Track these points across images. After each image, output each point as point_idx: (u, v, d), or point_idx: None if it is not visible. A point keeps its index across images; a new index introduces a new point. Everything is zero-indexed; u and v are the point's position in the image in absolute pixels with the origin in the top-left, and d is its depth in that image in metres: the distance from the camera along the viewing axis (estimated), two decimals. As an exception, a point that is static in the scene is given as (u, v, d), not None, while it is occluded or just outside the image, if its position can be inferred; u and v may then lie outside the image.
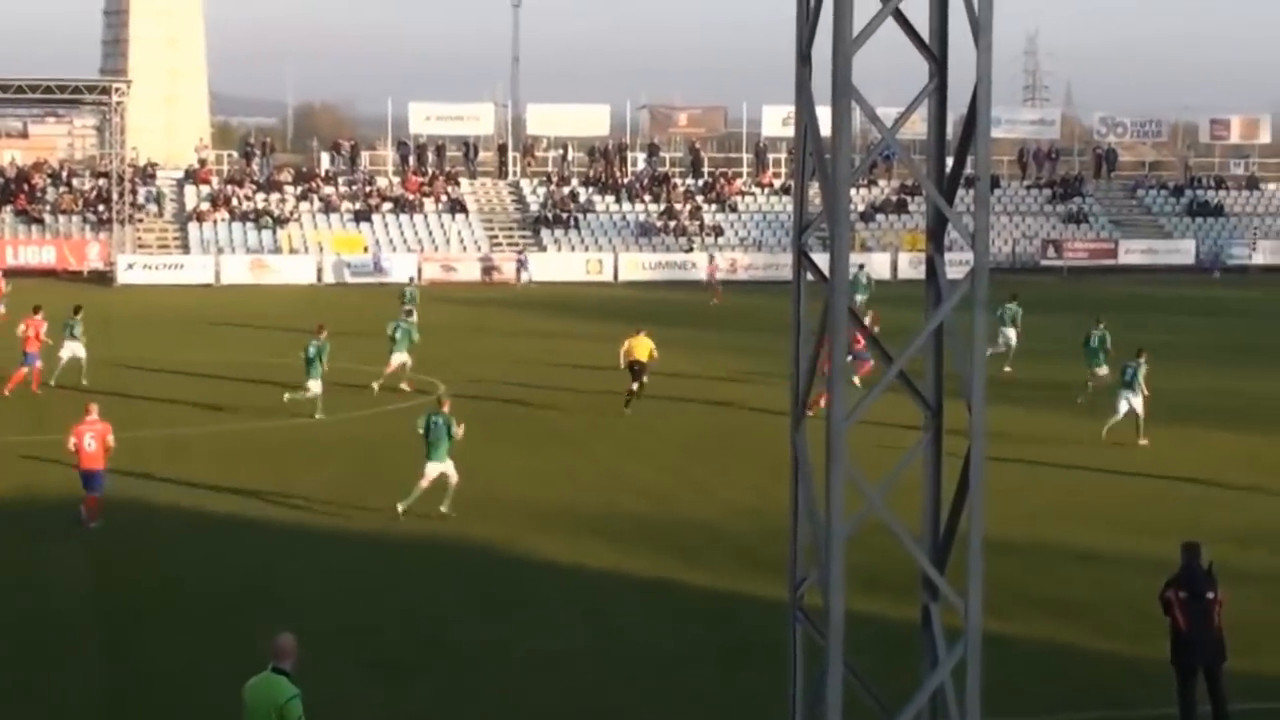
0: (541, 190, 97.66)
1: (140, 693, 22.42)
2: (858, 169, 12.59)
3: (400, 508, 31.74)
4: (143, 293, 78.73)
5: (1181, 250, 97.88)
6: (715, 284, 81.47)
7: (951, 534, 12.37)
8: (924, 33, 12.28)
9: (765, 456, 36.73)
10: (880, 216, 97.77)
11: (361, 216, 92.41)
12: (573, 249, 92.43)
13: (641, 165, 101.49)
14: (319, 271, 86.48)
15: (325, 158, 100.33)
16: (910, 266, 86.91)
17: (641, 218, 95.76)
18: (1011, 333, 53.19)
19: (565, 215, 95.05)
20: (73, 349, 48.34)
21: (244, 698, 16.21)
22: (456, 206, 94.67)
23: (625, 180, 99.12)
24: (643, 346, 45.35)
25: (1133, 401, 39.81)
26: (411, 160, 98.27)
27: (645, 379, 44.59)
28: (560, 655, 23.71)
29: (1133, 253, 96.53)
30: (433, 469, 32.12)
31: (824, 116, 11.86)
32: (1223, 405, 45.75)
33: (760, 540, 29.35)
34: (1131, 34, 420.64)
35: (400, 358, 48.21)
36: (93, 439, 31.13)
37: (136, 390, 46.81)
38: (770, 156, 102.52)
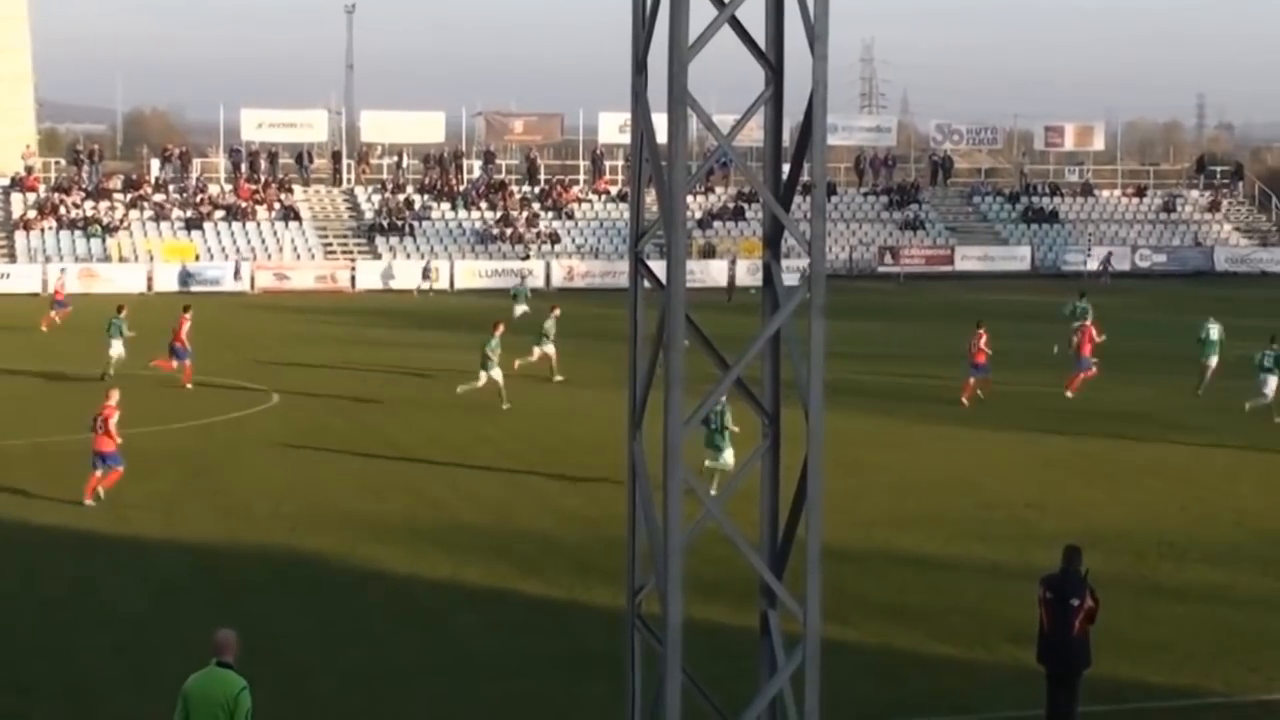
0: (376, 198, 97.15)
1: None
2: (694, 176, 12.59)
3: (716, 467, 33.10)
4: (-32, 302, 77.32)
5: (1017, 256, 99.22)
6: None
7: (789, 541, 12.39)
8: (760, 40, 12.30)
9: (603, 465, 36.69)
10: (717, 224, 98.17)
11: (193, 224, 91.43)
12: (408, 257, 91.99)
13: (477, 172, 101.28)
14: (149, 280, 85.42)
15: (155, 165, 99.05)
16: (747, 273, 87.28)
17: (478, 225, 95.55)
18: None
19: (400, 223, 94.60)
20: (117, 347, 51.10)
21: (186, 695, 16.14)
22: (290, 214, 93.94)
23: (461, 187, 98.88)
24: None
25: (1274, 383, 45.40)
26: (244, 167, 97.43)
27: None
28: (397, 667, 23.51)
29: (969, 259, 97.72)
30: (724, 458, 33.11)
31: (660, 124, 11.85)
32: (1058, 410, 46.29)
33: (598, 549, 29.29)
34: (967, 42, 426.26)
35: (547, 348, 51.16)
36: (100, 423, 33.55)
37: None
38: (607, 163, 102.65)
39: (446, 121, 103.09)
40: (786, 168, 12.44)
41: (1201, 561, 29.41)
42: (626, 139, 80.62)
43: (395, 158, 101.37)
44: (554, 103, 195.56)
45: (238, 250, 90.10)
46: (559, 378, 50.66)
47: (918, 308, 78.88)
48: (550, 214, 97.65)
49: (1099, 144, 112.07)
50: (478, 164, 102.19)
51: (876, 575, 28.27)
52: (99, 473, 33.42)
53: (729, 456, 33.18)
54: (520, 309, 62.96)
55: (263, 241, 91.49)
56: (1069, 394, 48.63)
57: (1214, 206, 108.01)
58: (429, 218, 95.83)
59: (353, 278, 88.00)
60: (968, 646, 24.33)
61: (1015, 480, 36.60)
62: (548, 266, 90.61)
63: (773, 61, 12.30)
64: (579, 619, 25.68)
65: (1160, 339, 64.52)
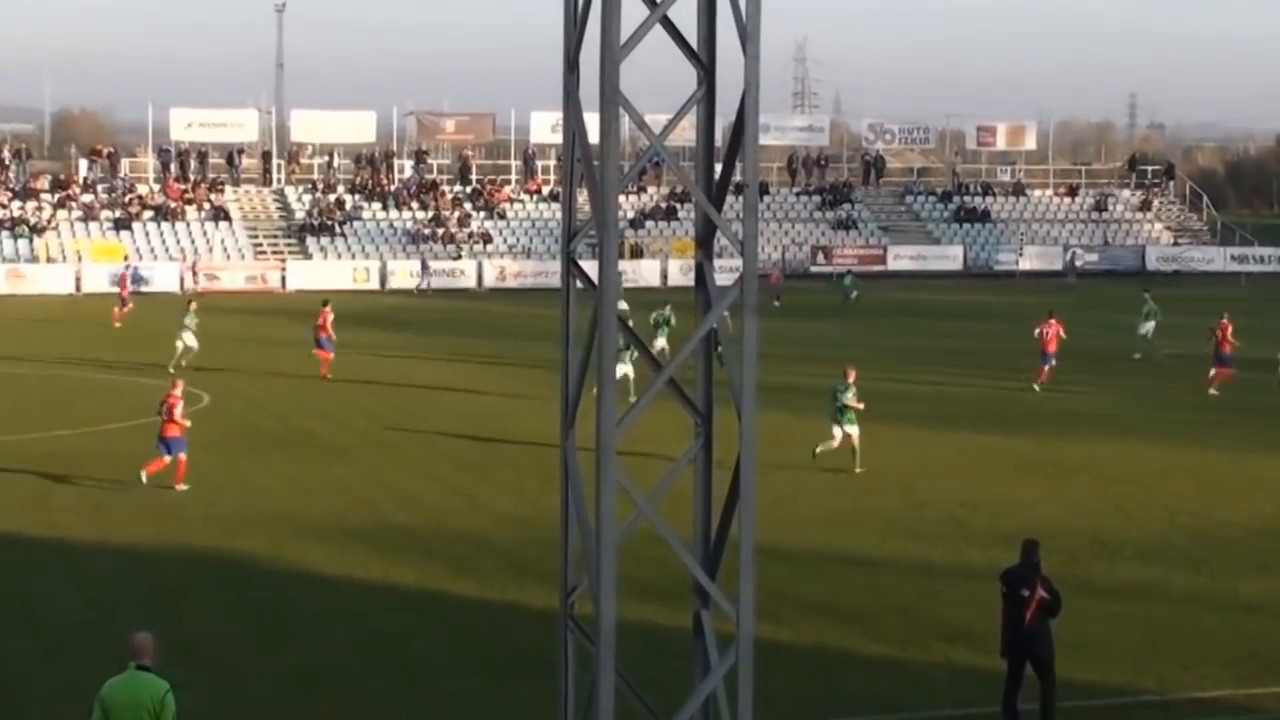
0: (307, 197, 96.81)
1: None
2: (626, 176, 12.54)
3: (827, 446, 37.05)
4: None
5: (949, 256, 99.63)
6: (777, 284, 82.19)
7: (722, 541, 12.36)
8: (692, 40, 12.26)
9: (535, 465, 36.64)
10: (649, 223, 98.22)
11: (121, 225, 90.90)
12: (339, 257, 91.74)
13: (409, 172, 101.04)
14: (78, 281, 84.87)
15: (84, 165, 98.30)
16: (680, 273, 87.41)
17: (409, 225, 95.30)
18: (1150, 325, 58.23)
19: (331, 223, 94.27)
20: (186, 339, 53.46)
21: (104, 700, 16.00)
22: (220, 214, 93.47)
23: (392, 187, 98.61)
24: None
25: None
26: (173, 167, 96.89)
27: None
28: (328, 668, 23.39)
29: (901, 258, 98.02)
30: (838, 432, 37.22)
31: (592, 123, 11.80)
32: (991, 409, 46.49)
33: (530, 550, 29.23)
34: (899, 42, 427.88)
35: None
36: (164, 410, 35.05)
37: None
38: (539, 163, 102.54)
39: (378, 121, 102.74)
40: (719, 167, 12.41)
41: (1134, 559, 29.55)
42: (558, 139, 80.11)
43: (326, 157, 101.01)
44: (486, 102, 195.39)
45: (167, 251, 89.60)
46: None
47: (851, 307, 79.03)
48: (482, 214, 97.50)
49: (1031, 144, 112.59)
50: (409, 164, 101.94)
51: (810, 575, 28.30)
52: (166, 458, 34.79)
53: (851, 429, 37.32)
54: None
55: (192, 242, 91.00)
56: (1212, 391, 49.79)
57: (1145, 206, 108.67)
58: (360, 218, 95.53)
59: (283, 278, 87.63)
60: (901, 646, 24.37)
61: (948, 479, 36.71)
62: (479, 266, 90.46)
63: (705, 61, 12.26)
64: (512, 620, 25.61)
65: (1092, 338, 64.78)
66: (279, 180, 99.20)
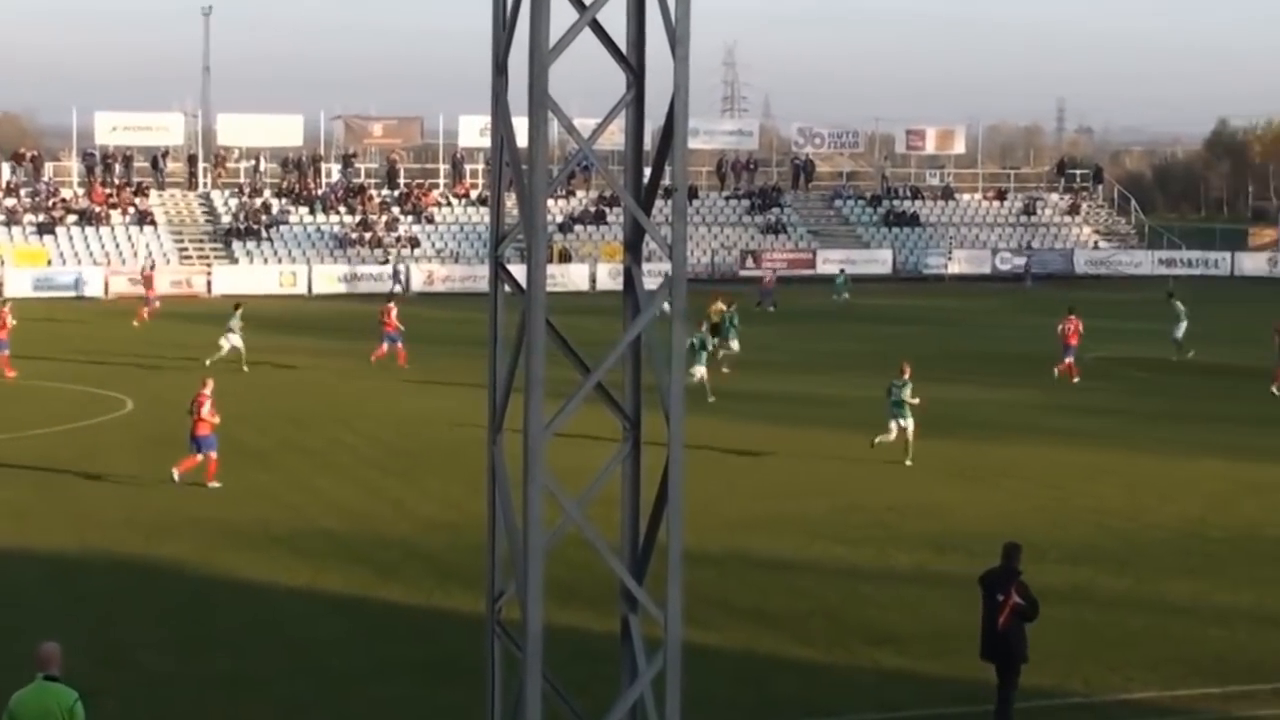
0: (233, 201, 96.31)
1: None
2: (555, 180, 12.52)
3: (884, 439, 38.55)
4: None
5: (879, 260, 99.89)
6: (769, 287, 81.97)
7: (650, 545, 12.34)
8: (622, 43, 12.23)
9: (463, 470, 36.56)
10: (579, 227, 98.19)
11: (45, 229, 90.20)
12: (265, 261, 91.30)
13: (336, 176, 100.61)
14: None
15: (6, 168, 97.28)
16: (609, 278, 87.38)
17: (336, 229, 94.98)
18: (1182, 327, 59.37)
19: (257, 227, 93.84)
20: (232, 341, 55.19)
21: (12, 712, 15.93)
22: (145, 218, 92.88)
23: (319, 191, 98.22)
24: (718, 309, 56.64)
25: None
26: (98, 171, 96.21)
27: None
28: (255, 675, 23.26)
29: (831, 262, 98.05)
30: (894, 426, 38.84)
31: (521, 127, 11.75)
32: (918, 413, 46.45)
33: (457, 555, 29.15)
34: (829, 46, 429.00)
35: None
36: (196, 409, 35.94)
37: None
38: (467, 167, 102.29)
39: (305, 125, 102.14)
40: (648, 171, 12.38)
41: (1061, 562, 29.66)
42: (487, 142, 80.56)
43: (252, 161, 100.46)
44: (413, 106, 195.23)
45: (91, 256, 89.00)
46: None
47: (779, 312, 79.14)
48: (410, 218, 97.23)
49: (960, 147, 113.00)
50: (336, 168, 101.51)
51: (738, 579, 28.32)
52: (199, 456, 35.69)
53: (897, 426, 38.90)
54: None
55: (117, 246, 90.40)
56: (1274, 390, 50.52)
57: (1074, 210, 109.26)
58: (287, 222, 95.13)
59: (209, 283, 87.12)
60: (829, 649, 24.42)
61: (875, 483, 36.80)
62: (407, 271, 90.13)
63: (634, 65, 12.22)
64: (439, 625, 25.55)
65: (1019, 342, 65.15)
66: (205, 184, 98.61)
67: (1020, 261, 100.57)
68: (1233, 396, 51.05)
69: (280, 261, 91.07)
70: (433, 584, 27.84)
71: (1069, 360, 53.75)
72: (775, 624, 25.76)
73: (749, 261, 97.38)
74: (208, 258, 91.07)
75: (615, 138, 13.89)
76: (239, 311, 56.70)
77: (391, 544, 30.90)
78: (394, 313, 56.57)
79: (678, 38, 11.67)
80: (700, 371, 47.71)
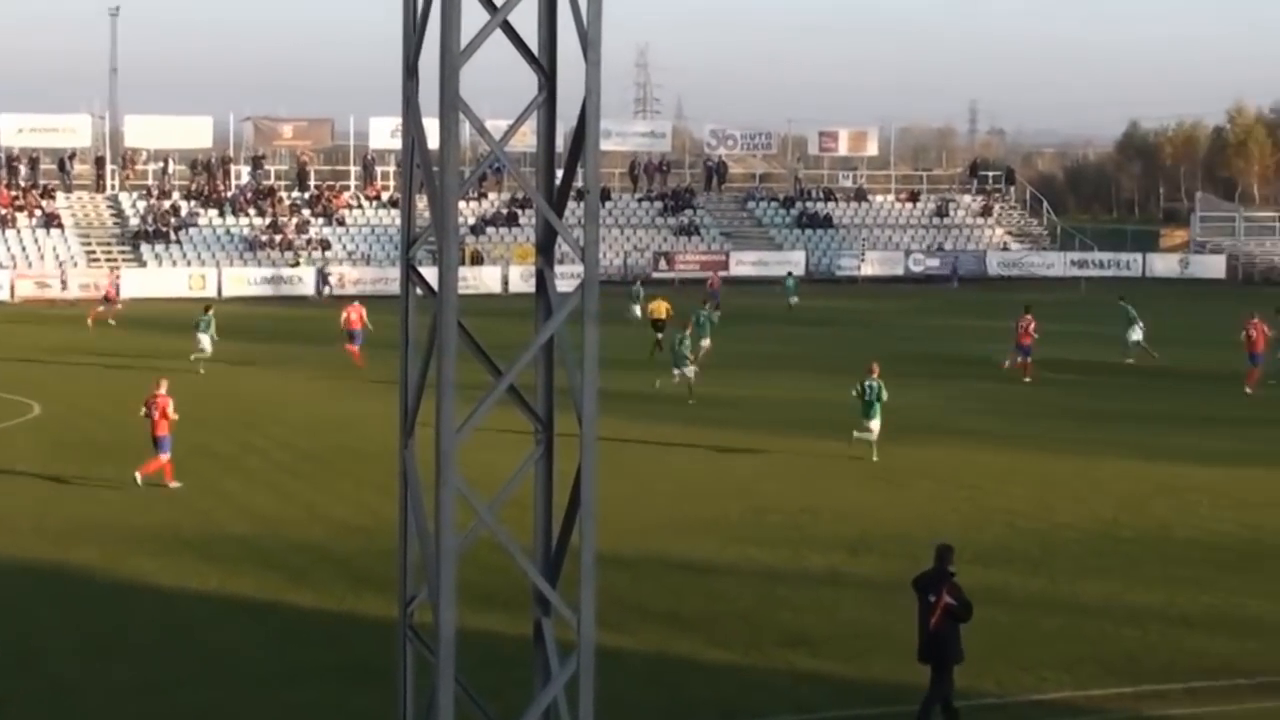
0: (141, 204, 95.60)
1: None
2: (466, 182, 12.44)
3: (864, 437, 39.62)
4: None
5: (792, 261, 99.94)
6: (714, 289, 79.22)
7: (563, 548, 12.30)
8: (533, 45, 12.18)
9: (375, 474, 36.37)
10: (491, 230, 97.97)
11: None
12: (174, 264, 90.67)
13: (246, 178, 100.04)
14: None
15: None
16: (521, 280, 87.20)
17: (246, 232, 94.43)
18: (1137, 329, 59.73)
19: (166, 230, 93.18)
20: (204, 341, 55.94)
21: None
22: (52, 221, 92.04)
23: (229, 194, 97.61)
24: (660, 307, 61.83)
25: None
26: (3, 173, 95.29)
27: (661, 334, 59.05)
28: (165, 681, 23.06)
29: (744, 264, 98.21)
30: (874, 425, 39.65)
31: (432, 129, 11.69)
32: (834, 416, 46.44)
33: (370, 559, 28.99)
34: (742, 48, 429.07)
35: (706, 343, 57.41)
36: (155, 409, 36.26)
37: None
38: (378, 169, 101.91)
39: (214, 126, 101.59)
40: (560, 173, 12.34)
41: (974, 562, 29.64)
42: (398, 144, 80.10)
43: (161, 163, 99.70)
44: (324, 107, 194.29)
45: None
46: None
47: (793, 313, 78.93)
48: (321, 220, 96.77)
49: (873, 149, 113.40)
50: (246, 170, 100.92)
51: (652, 581, 28.28)
52: (162, 457, 36.07)
53: (875, 425, 39.69)
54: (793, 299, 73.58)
55: (23, 249, 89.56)
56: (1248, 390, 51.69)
57: (986, 211, 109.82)
58: (196, 224, 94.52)
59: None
60: (743, 652, 24.41)
61: (789, 484, 36.84)
62: (317, 273, 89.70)
63: (545, 67, 12.19)
64: (351, 630, 25.39)
65: (933, 343, 65.45)
66: (113, 186, 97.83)
67: (934, 263, 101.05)
68: (1145, 397, 51.41)
69: (190, 264, 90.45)
70: (344, 588, 27.67)
71: (1024, 360, 55.13)
72: (690, 626, 25.73)
73: (662, 263, 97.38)
74: (116, 260, 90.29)
75: (527, 139, 13.86)
76: (209, 313, 57.28)
77: (303, 548, 30.71)
78: (363, 313, 57.85)
79: (589, 40, 11.65)
80: (689, 372, 49.67)
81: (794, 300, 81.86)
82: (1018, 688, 22.85)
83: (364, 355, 55.85)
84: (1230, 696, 22.66)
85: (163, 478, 35.93)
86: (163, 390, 36.75)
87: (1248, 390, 51.37)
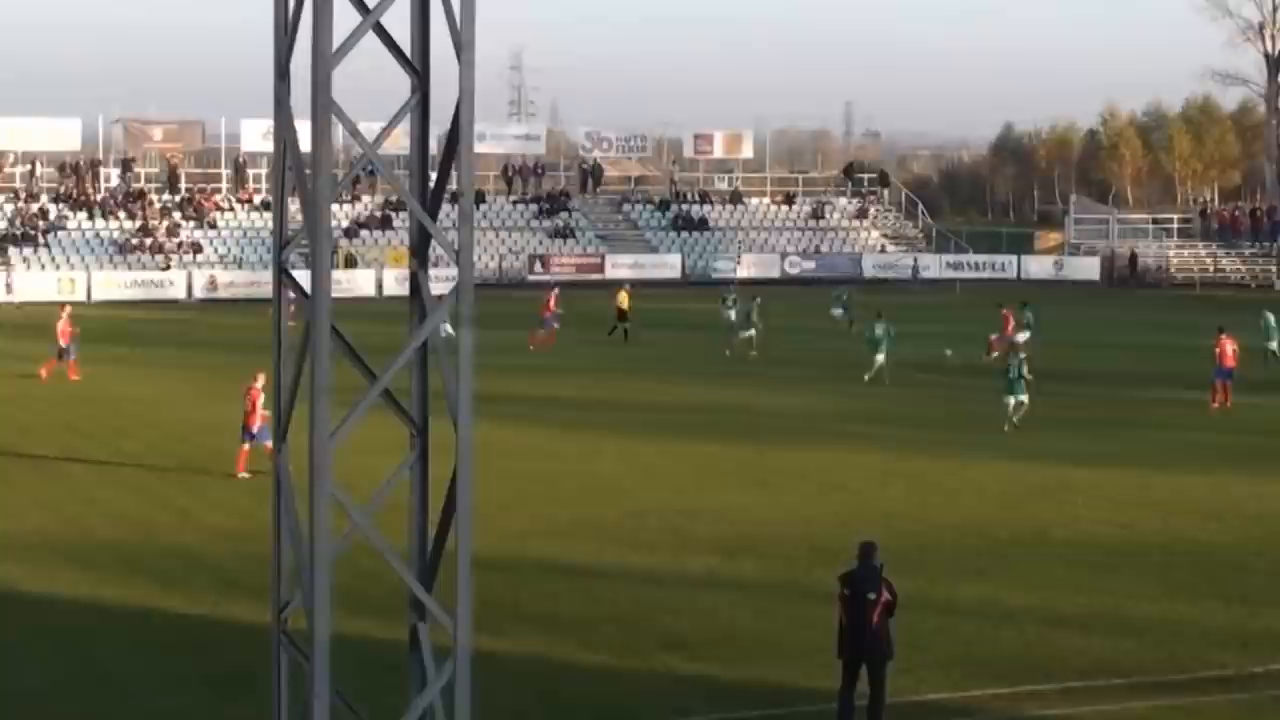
0: (9, 207, 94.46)
1: None
2: (339, 185, 12.36)
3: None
4: None
5: (668, 264, 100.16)
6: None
7: (439, 552, 12.24)
8: (406, 47, 12.11)
9: (247, 479, 36.09)
10: (364, 233, 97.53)
11: None
12: (43, 268, 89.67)
13: (115, 181, 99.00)
14: None
15: None
16: (395, 283, 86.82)
17: (116, 235, 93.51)
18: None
19: (34, 233, 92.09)
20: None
21: None
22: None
23: (98, 196, 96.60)
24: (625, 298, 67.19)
25: None
26: None
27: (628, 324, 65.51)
28: (35, 690, 22.76)
29: (620, 267, 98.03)
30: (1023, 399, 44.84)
31: (304, 131, 11.59)
32: (715, 419, 46.58)
33: (243, 565, 28.73)
34: (616, 51, 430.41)
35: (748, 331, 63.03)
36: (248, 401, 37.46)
37: None
38: (251, 171, 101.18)
39: (83, 128, 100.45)
40: (433, 176, 12.28)
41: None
42: (270, 146, 79.46)
43: (28, 165, 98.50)
44: (195, 109, 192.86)
45: None
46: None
47: (569, 315, 79.07)
48: (192, 223, 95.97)
49: (748, 152, 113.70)
50: (115, 172, 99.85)
51: (529, 585, 28.22)
52: (246, 447, 36.90)
53: (1023, 397, 44.92)
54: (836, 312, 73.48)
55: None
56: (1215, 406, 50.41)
57: (862, 214, 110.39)
58: (65, 228, 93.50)
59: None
60: (621, 655, 24.39)
61: (666, 487, 36.88)
62: (189, 277, 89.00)
63: (418, 68, 12.11)
64: (223, 636, 25.15)
65: (809, 345, 65.74)
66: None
67: (810, 265, 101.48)
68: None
69: (59, 268, 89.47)
70: (217, 594, 27.43)
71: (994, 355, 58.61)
72: (567, 631, 25.69)
73: (537, 266, 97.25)
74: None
75: (400, 142, 13.74)
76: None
77: (174, 554, 30.41)
78: (555, 295, 64.86)
79: (463, 41, 11.58)
80: (879, 359, 53.85)
81: (839, 314, 74.12)
82: (896, 689, 22.88)
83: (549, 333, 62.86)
84: (1107, 696, 22.87)
85: (256, 461, 36.15)
86: (258, 384, 37.06)
87: (1226, 406, 50.05)
